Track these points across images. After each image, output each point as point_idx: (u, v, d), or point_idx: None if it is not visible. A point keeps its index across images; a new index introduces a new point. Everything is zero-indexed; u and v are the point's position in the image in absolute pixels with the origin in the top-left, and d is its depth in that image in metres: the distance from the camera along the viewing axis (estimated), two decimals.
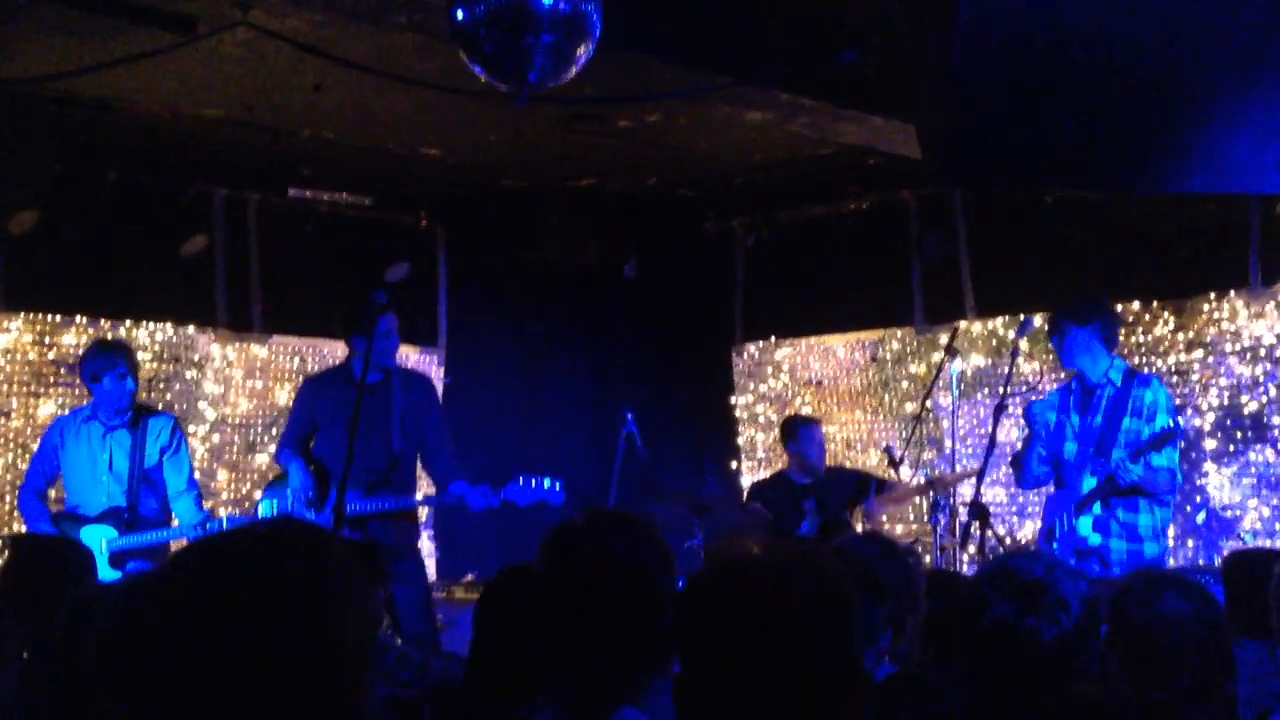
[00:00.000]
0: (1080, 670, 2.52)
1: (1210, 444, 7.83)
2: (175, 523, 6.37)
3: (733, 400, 9.84)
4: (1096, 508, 6.09)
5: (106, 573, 5.99)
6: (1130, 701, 2.52)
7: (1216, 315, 7.90)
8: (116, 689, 1.50)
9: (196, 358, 8.49)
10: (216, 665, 1.43)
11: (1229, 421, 7.77)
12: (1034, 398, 8.35)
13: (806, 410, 9.17)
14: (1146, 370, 7.74)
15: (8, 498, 7.63)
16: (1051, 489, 6.47)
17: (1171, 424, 5.95)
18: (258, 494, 8.40)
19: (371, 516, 6.14)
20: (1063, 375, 8.35)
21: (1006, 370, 6.85)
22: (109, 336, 7.60)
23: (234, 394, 8.69)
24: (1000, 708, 2.51)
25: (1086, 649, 2.54)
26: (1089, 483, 6.14)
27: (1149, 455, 5.91)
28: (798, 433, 7.87)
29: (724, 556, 1.96)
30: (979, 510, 6.35)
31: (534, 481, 6.14)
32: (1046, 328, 6.72)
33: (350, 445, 5.33)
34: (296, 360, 8.89)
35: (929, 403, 7.79)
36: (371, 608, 1.61)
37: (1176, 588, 3.01)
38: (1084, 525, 6.12)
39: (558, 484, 6.18)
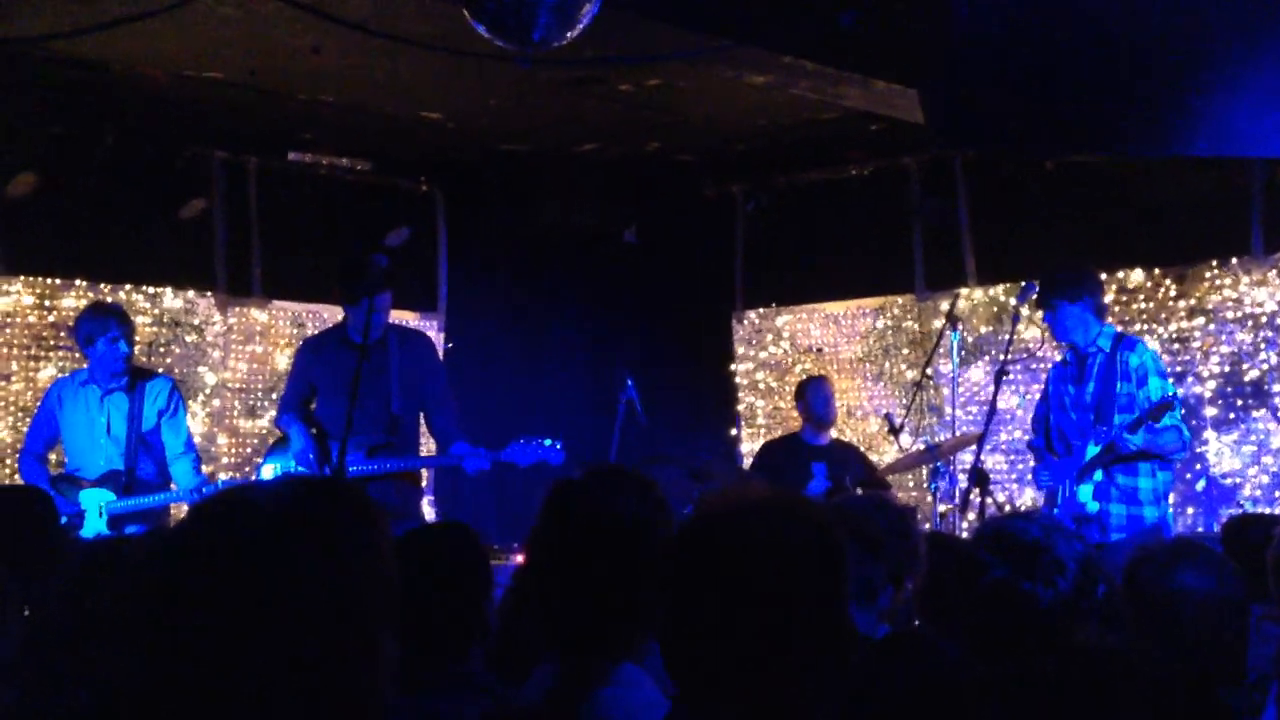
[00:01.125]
0: (1076, 632, 2.51)
1: (1211, 411, 7.83)
2: (174, 487, 6.37)
3: (732, 367, 9.84)
4: (1098, 475, 6.09)
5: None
6: (1129, 652, 2.51)
7: (1218, 282, 7.89)
8: (144, 642, 1.49)
9: (196, 322, 8.48)
10: (249, 613, 1.43)
11: (1229, 389, 7.77)
12: (1035, 367, 8.36)
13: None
14: (1146, 336, 7.74)
15: (8, 461, 7.63)
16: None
17: (1167, 393, 5.93)
18: (258, 459, 8.42)
19: (373, 478, 6.14)
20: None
21: (1007, 337, 6.84)
22: (107, 300, 7.57)
23: (233, 359, 8.69)
24: (997, 667, 2.50)
25: (1081, 610, 2.53)
26: (1091, 450, 6.14)
27: (1149, 424, 5.90)
28: (805, 389, 7.96)
29: (716, 503, 1.96)
30: (979, 476, 6.35)
31: (534, 442, 6.15)
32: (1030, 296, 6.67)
33: (350, 411, 5.30)
34: (296, 325, 8.88)
35: (929, 369, 7.78)
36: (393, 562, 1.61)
37: (1195, 560, 2.98)
38: (1084, 493, 6.12)
39: (557, 444, 6.17)
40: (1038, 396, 6.61)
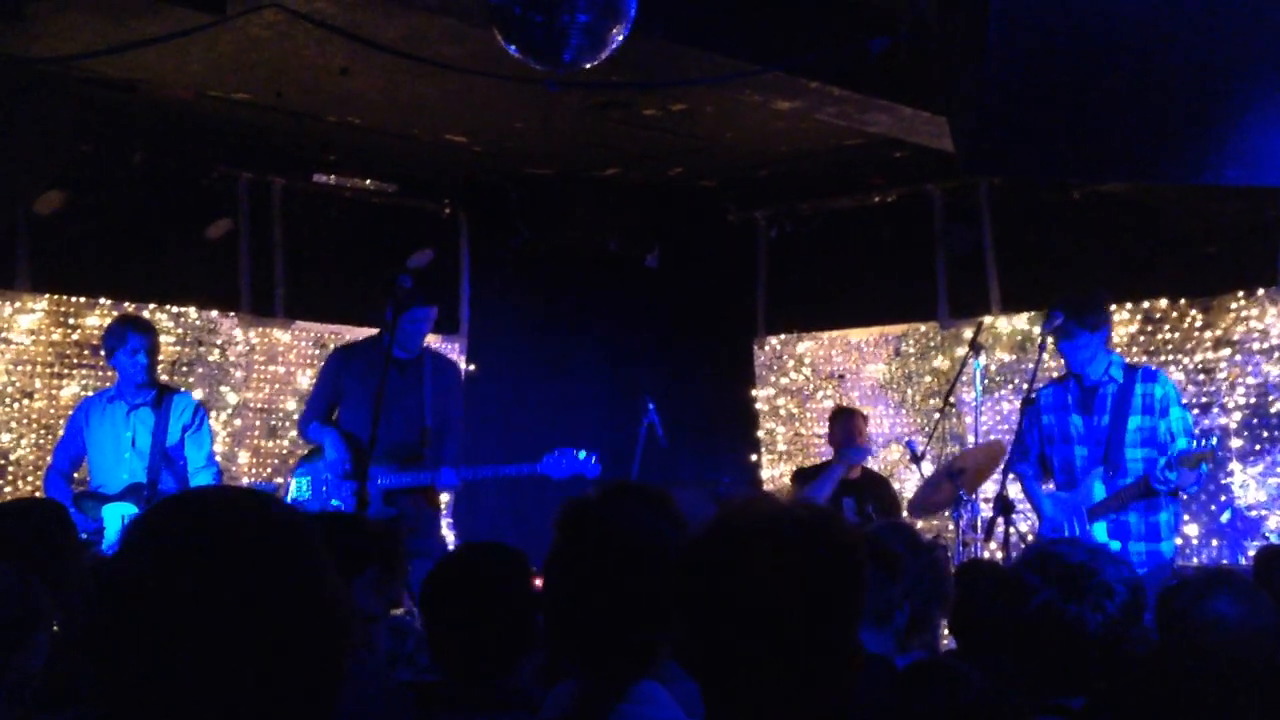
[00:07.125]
0: (1124, 656, 2.48)
1: (1236, 443, 7.78)
2: None
3: (753, 393, 9.82)
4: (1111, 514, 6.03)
5: None
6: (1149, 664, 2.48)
7: (1244, 314, 7.84)
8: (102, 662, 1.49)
9: (219, 341, 8.50)
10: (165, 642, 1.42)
11: (1255, 420, 7.72)
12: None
13: (828, 404, 9.15)
14: (1170, 367, 7.70)
15: (30, 477, 7.64)
16: (1051, 486, 6.39)
17: (1210, 441, 5.76)
18: (279, 479, 8.42)
19: (403, 491, 6.14)
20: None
21: (1031, 365, 6.78)
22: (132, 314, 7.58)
23: (256, 378, 8.70)
24: (1039, 694, 2.47)
25: (1130, 635, 2.51)
26: (1099, 489, 6.05)
27: (1182, 468, 5.77)
28: (833, 420, 7.88)
29: (726, 515, 1.93)
30: (1003, 505, 6.27)
31: (568, 454, 6.11)
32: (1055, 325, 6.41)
33: (375, 416, 5.26)
34: (318, 346, 8.90)
35: (952, 398, 7.73)
36: (337, 582, 1.55)
37: (1231, 589, 2.95)
38: (1099, 531, 6.03)
39: (593, 456, 6.13)
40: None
